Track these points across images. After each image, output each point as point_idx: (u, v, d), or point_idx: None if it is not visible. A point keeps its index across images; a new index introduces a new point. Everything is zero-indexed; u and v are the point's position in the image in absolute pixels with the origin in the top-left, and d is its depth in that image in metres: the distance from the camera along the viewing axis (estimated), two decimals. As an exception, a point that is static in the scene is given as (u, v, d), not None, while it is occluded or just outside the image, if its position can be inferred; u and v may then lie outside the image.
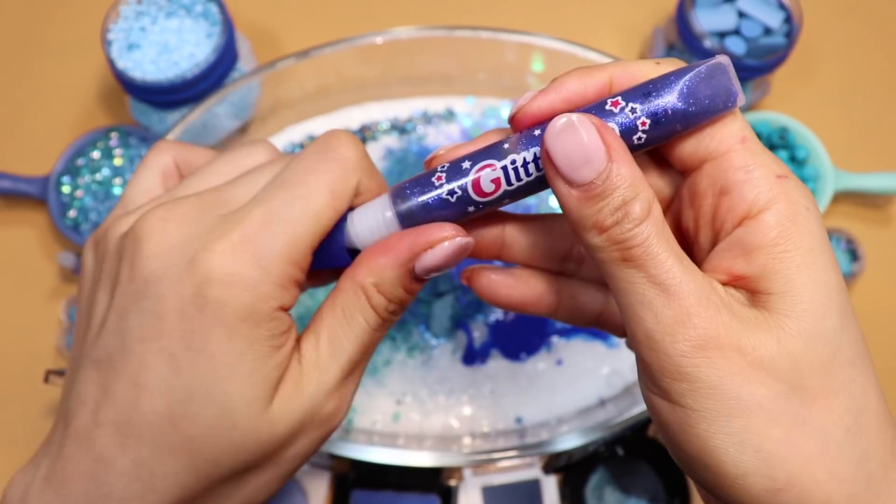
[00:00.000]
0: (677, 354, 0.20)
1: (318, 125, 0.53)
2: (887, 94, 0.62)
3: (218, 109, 0.50)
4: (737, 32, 0.54)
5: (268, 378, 0.23)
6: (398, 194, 0.24)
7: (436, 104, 0.54)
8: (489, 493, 0.48)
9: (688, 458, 0.21)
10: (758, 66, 0.53)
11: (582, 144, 0.20)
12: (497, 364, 0.47)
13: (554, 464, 0.47)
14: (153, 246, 0.22)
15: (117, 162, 0.53)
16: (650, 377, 0.21)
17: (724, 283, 0.22)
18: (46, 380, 0.44)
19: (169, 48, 0.51)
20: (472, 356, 0.47)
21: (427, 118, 0.54)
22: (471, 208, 0.23)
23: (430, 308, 0.47)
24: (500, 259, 0.27)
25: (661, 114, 0.21)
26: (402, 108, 0.53)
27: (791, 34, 0.54)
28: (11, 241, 0.55)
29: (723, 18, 0.54)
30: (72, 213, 0.52)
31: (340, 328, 0.25)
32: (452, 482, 0.48)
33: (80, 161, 0.53)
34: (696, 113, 0.21)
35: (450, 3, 0.62)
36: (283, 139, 0.52)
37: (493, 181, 0.23)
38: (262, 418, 0.23)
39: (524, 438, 0.44)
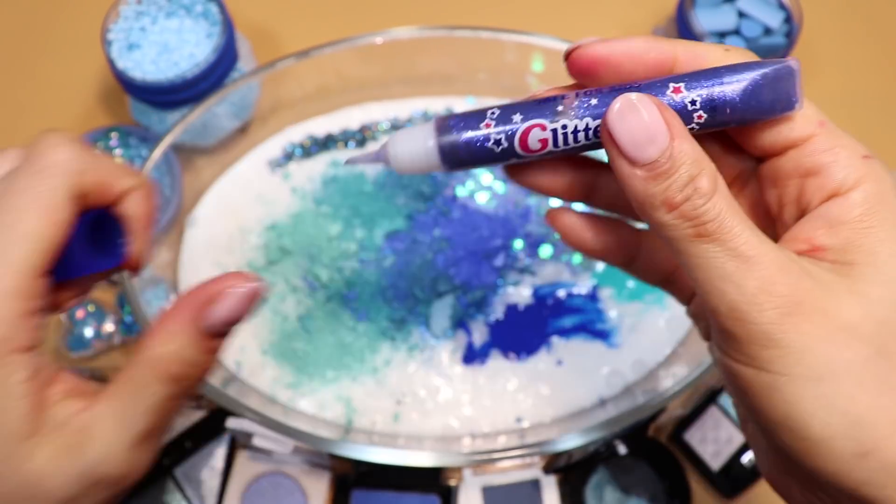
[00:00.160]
0: (765, 322, 0.20)
1: (318, 125, 0.53)
2: (887, 94, 0.62)
3: (218, 109, 0.50)
4: (737, 32, 0.54)
5: (11, 429, 0.21)
6: (443, 126, 0.23)
7: (436, 104, 0.54)
8: (489, 493, 0.48)
9: (773, 423, 0.21)
10: (758, 66, 0.53)
11: (644, 123, 0.20)
12: (497, 364, 0.47)
13: (554, 464, 0.47)
14: None
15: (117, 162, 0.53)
16: (735, 347, 0.21)
17: (803, 253, 0.22)
18: (46, 380, 0.44)
19: (169, 48, 0.51)
20: (472, 356, 0.47)
21: (427, 118, 0.54)
22: (512, 159, 0.23)
23: (430, 308, 0.47)
24: (588, 203, 0.26)
25: (719, 108, 0.21)
26: (402, 108, 0.53)
27: (791, 34, 0.54)
28: (11, 241, 0.55)
29: (723, 18, 0.54)
30: (72, 213, 0.52)
31: (132, 402, 0.23)
32: (452, 482, 0.48)
33: (80, 161, 0.53)
34: (753, 112, 0.21)
35: (450, 3, 0.62)
36: (283, 139, 0.52)
37: (540, 140, 0.22)
38: (19, 469, 0.21)
39: (524, 438, 0.44)
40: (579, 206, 0.27)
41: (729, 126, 0.22)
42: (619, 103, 0.21)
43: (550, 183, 0.25)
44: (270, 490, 0.49)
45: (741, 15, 0.54)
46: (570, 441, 0.41)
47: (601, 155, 0.23)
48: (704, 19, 0.53)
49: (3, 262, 0.22)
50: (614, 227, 0.27)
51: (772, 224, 0.24)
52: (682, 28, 0.54)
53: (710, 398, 0.48)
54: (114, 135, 0.54)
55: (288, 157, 0.51)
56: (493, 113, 0.22)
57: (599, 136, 0.21)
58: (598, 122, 0.21)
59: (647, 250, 0.27)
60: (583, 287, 0.49)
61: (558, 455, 0.46)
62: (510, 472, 0.48)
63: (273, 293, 0.48)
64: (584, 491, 0.47)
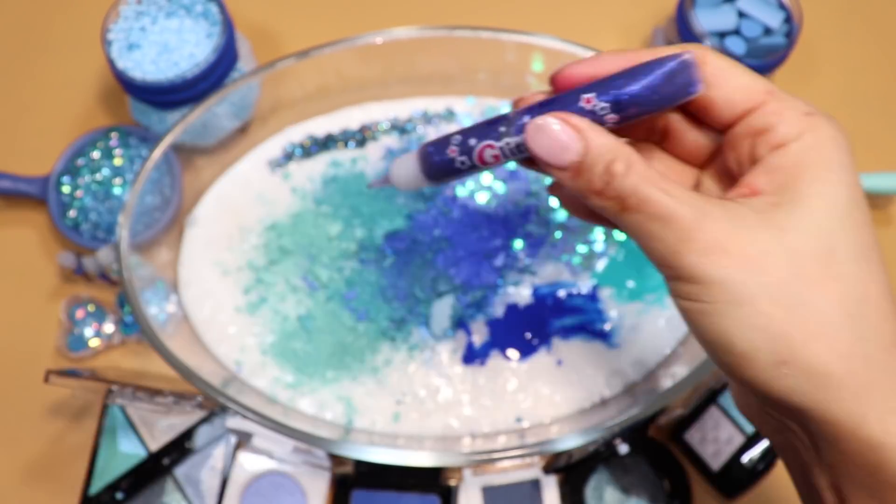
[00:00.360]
0: (688, 265, 0.24)
1: (318, 125, 0.53)
2: (887, 94, 0.62)
3: (218, 109, 0.50)
4: (737, 32, 0.54)
5: None
6: (422, 153, 0.29)
7: (436, 104, 0.54)
8: (489, 493, 0.48)
9: (709, 344, 0.25)
10: (758, 66, 0.53)
11: (555, 138, 0.25)
12: (497, 364, 0.47)
13: (554, 464, 0.47)
14: None
15: (117, 162, 0.53)
16: (674, 287, 0.25)
17: (746, 196, 0.26)
18: (47, 380, 0.44)
19: (169, 48, 0.51)
20: (472, 356, 0.47)
21: (427, 118, 0.54)
22: (479, 170, 0.29)
23: (430, 308, 0.47)
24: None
25: (626, 108, 0.25)
26: (402, 108, 0.53)
27: (791, 34, 0.54)
28: (11, 241, 0.55)
29: (723, 18, 0.54)
30: (72, 213, 0.52)
31: None
32: (452, 482, 0.48)
33: (80, 161, 0.53)
34: (658, 104, 0.25)
35: (450, 3, 0.62)
36: (283, 139, 0.52)
37: (493, 156, 0.28)
38: None
39: (524, 438, 0.44)
40: None
41: (641, 117, 0.26)
42: (529, 127, 0.25)
43: None
44: (270, 490, 0.49)
45: (741, 15, 0.54)
46: (570, 441, 0.41)
47: None
48: (704, 19, 0.53)
49: None
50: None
51: (734, 183, 0.28)
52: (682, 28, 0.54)
53: (711, 398, 0.48)
54: (114, 135, 0.54)
55: (288, 157, 0.51)
56: (455, 140, 0.28)
57: None
58: None
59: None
60: (583, 287, 0.49)
61: (558, 455, 0.46)
62: (510, 472, 0.48)
63: (273, 293, 0.48)
64: (585, 491, 0.47)
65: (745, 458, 0.47)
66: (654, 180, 0.25)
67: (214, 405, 0.48)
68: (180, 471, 0.49)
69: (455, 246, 0.48)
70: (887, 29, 0.64)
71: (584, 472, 0.47)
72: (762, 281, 0.23)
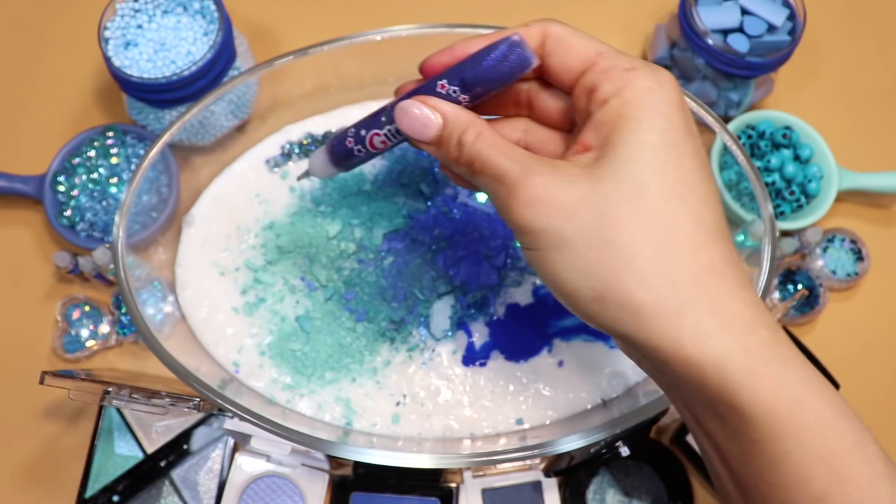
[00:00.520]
0: (516, 217, 0.28)
1: (316, 124, 0.53)
2: (890, 92, 0.62)
3: (215, 108, 0.50)
4: (740, 30, 0.54)
5: None
6: (329, 147, 0.36)
7: (436, 102, 0.53)
8: (489, 495, 0.48)
9: (547, 285, 0.29)
10: (761, 63, 0.52)
11: (416, 118, 0.30)
12: (497, 365, 0.46)
13: (555, 466, 0.46)
14: None
15: (114, 161, 0.53)
16: (516, 238, 0.29)
17: (580, 152, 0.29)
18: (42, 381, 0.44)
19: (166, 46, 0.50)
20: (473, 357, 0.47)
21: (427, 117, 0.53)
22: (375, 153, 0.34)
23: (430, 308, 0.47)
24: (532, 118, 0.34)
25: (473, 88, 0.30)
26: (402, 107, 0.53)
27: (795, 32, 0.54)
28: (6, 240, 0.55)
29: (726, 16, 0.54)
30: (67, 213, 0.52)
31: None
32: (452, 484, 0.47)
33: (76, 160, 0.53)
34: (500, 81, 0.29)
35: (450, 1, 0.62)
36: (282, 138, 0.52)
37: (381, 141, 0.33)
38: None
39: (525, 440, 0.44)
40: None
41: (490, 93, 0.30)
42: (396, 112, 0.31)
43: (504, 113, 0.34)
44: (268, 492, 0.48)
45: (744, 12, 0.54)
46: (572, 443, 0.41)
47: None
48: (707, 17, 0.53)
49: None
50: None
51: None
52: (685, 26, 0.53)
53: (713, 399, 0.48)
54: (110, 133, 0.54)
55: (286, 156, 0.51)
56: (351, 133, 0.34)
57: None
58: None
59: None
60: (584, 287, 0.48)
61: (559, 457, 0.45)
62: (511, 474, 0.48)
63: (271, 293, 0.47)
64: (586, 493, 0.46)
65: (749, 461, 0.46)
66: (497, 146, 0.29)
67: (212, 407, 0.47)
68: (177, 473, 0.49)
69: (455, 246, 0.48)
70: (890, 27, 0.64)
71: (586, 475, 0.47)
72: (576, 226, 0.26)
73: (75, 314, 0.52)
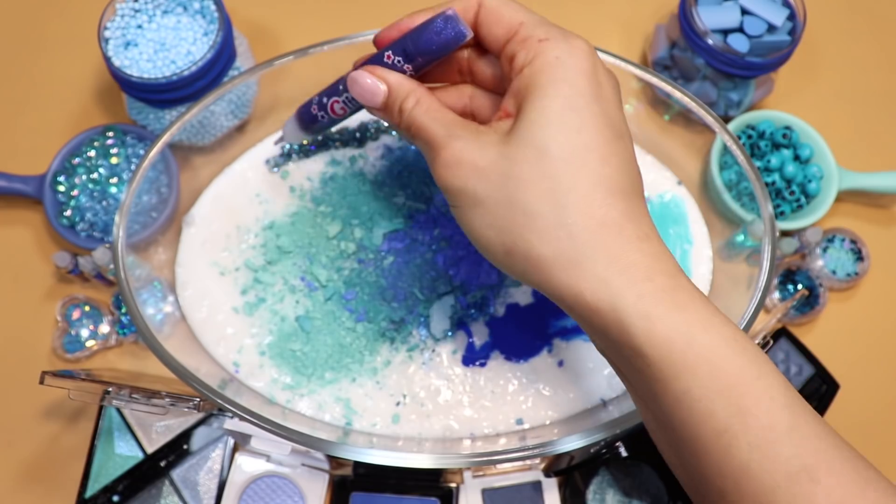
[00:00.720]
0: (440, 179, 0.31)
1: (316, 124, 0.52)
2: (892, 92, 0.62)
3: (215, 108, 0.49)
4: (740, 30, 0.53)
5: None
6: (298, 113, 0.40)
7: (436, 102, 0.53)
8: (489, 495, 0.48)
9: (471, 241, 0.32)
10: (761, 63, 0.52)
11: (366, 86, 0.33)
12: (497, 365, 0.46)
13: (555, 466, 0.46)
14: None
15: (114, 161, 0.53)
16: (445, 198, 0.32)
17: (501, 118, 0.31)
18: (42, 381, 0.44)
19: (166, 46, 0.50)
20: (473, 357, 0.47)
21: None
22: (337, 120, 0.38)
23: (430, 308, 0.47)
24: (474, 84, 0.36)
25: (415, 58, 0.32)
26: (402, 107, 0.53)
27: (795, 32, 0.54)
28: (6, 240, 0.55)
29: (726, 16, 0.54)
30: (67, 213, 0.52)
31: None
32: (452, 484, 0.47)
33: (76, 160, 0.53)
34: (438, 52, 0.32)
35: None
36: (282, 138, 0.52)
37: (341, 108, 0.36)
38: None
39: (525, 440, 0.44)
40: None
41: (431, 63, 0.32)
42: (348, 80, 0.33)
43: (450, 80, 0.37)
44: (268, 492, 0.48)
45: (744, 12, 0.54)
46: (572, 443, 0.41)
47: None
48: (707, 17, 0.53)
49: None
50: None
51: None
52: (685, 25, 0.53)
53: (713, 399, 0.48)
54: (110, 133, 0.54)
55: (286, 156, 0.51)
56: (315, 100, 0.38)
57: None
58: None
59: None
60: (584, 287, 0.48)
61: (559, 457, 0.45)
62: (511, 474, 0.48)
63: (271, 293, 0.47)
64: (586, 493, 0.46)
65: (749, 461, 0.46)
66: (430, 111, 0.31)
67: (212, 407, 0.47)
68: (177, 473, 0.49)
69: (455, 246, 0.48)
70: (891, 27, 0.64)
71: (586, 475, 0.47)
72: (486, 186, 0.29)
73: (75, 314, 0.52)
